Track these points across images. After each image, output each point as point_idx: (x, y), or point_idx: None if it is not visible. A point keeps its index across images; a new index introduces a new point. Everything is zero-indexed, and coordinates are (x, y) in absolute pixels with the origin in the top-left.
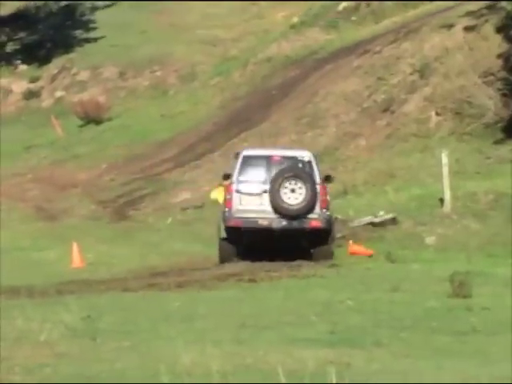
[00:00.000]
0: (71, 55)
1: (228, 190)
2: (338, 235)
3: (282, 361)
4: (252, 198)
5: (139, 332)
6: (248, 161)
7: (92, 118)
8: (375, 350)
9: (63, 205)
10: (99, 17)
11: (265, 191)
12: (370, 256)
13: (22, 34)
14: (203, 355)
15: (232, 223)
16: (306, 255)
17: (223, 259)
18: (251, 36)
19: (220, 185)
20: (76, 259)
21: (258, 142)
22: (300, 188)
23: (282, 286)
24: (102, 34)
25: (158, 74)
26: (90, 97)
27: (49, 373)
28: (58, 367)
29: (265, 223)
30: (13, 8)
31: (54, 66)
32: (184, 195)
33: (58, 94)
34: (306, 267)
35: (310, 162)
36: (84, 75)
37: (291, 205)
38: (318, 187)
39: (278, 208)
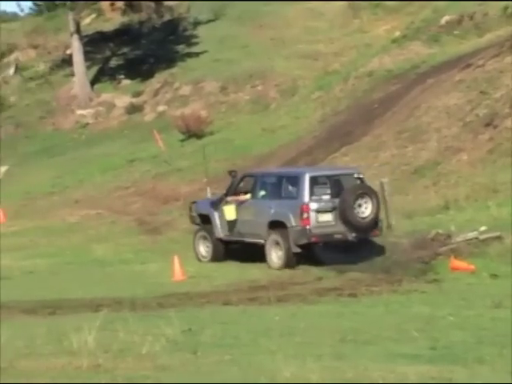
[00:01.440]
0: (173, 70)
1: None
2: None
3: (383, 376)
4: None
5: (240, 345)
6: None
7: (193, 132)
8: (477, 367)
9: (165, 218)
10: (201, 32)
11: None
12: (473, 272)
13: (125, 50)
14: (303, 369)
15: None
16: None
17: (216, 258)
18: (352, 50)
19: (228, 202)
20: (177, 272)
21: (358, 157)
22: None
23: (383, 300)
24: (203, 48)
25: (259, 88)
26: (192, 111)
27: None
28: (160, 380)
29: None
30: (117, 24)
31: (156, 81)
32: None
33: (161, 108)
34: (406, 282)
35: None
36: (186, 90)
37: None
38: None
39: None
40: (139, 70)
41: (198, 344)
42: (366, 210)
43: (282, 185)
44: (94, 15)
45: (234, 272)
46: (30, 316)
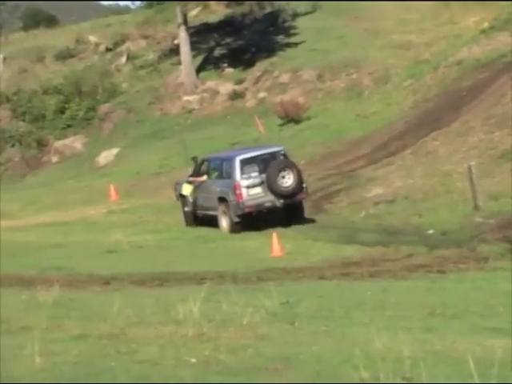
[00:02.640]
0: (273, 59)
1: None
2: None
3: (470, 349)
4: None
5: (334, 318)
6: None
7: (291, 117)
8: None
9: None
10: (300, 23)
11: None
12: None
13: (228, 40)
14: (395, 341)
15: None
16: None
17: (187, 224)
18: (443, 40)
19: (189, 182)
20: (276, 249)
21: (447, 141)
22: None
23: (470, 277)
24: (302, 39)
25: (354, 76)
26: (290, 98)
27: (251, 353)
28: (260, 348)
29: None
30: (221, 16)
31: (257, 69)
32: (376, 190)
33: (261, 95)
34: (492, 260)
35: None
36: (285, 77)
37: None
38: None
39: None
40: (241, 59)
41: (295, 315)
42: (288, 180)
43: (223, 167)
44: (200, 8)
45: (329, 249)
46: (140, 287)
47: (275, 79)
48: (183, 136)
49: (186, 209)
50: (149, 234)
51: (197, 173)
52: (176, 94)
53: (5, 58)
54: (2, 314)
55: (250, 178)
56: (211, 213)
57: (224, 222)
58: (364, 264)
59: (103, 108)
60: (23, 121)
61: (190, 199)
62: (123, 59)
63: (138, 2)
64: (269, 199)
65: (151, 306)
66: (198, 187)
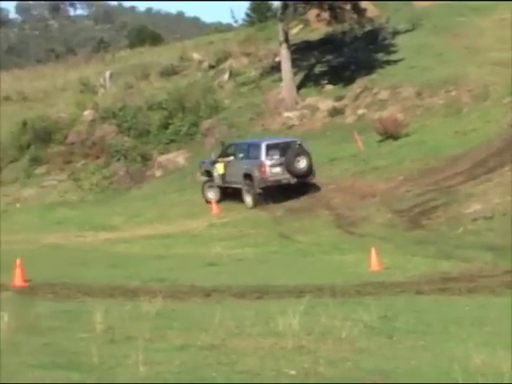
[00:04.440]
0: (373, 76)
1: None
2: None
3: None
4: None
5: (432, 332)
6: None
7: (390, 133)
8: None
9: (362, 213)
10: (400, 41)
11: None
12: None
13: (329, 57)
14: (494, 357)
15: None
16: None
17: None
18: None
19: (219, 162)
20: (374, 263)
21: None
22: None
23: None
24: (401, 56)
25: (453, 93)
26: (389, 114)
27: (350, 366)
28: (358, 362)
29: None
30: (322, 33)
31: (357, 86)
32: (475, 206)
33: (360, 111)
34: None
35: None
36: (384, 94)
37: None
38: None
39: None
40: (341, 76)
41: (393, 330)
42: (302, 163)
43: (249, 150)
44: (301, 26)
45: (427, 264)
46: (240, 299)
47: (374, 96)
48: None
49: (211, 184)
50: (248, 248)
51: (224, 154)
52: (277, 110)
53: (111, 75)
54: (106, 323)
55: (272, 159)
56: (235, 186)
57: (248, 197)
58: (462, 279)
59: (206, 124)
60: (128, 136)
61: (218, 176)
62: (226, 76)
63: (240, 21)
64: (285, 177)
65: (251, 318)
66: (226, 165)
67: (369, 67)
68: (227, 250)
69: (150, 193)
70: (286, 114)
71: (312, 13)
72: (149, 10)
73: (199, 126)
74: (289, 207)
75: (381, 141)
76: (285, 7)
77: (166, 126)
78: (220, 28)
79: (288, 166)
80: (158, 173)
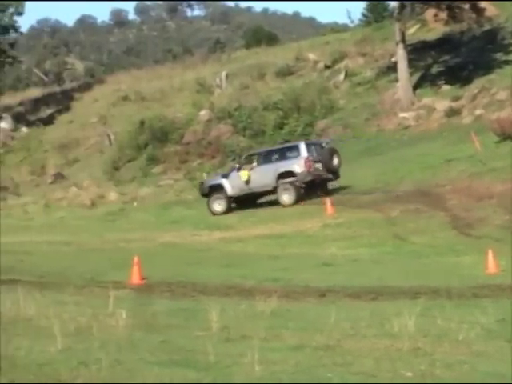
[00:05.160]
0: (491, 76)
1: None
2: None
3: None
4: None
5: None
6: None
7: (508, 134)
8: None
9: (479, 214)
10: None
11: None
12: None
13: (446, 57)
14: None
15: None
16: None
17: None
18: None
19: (244, 169)
20: (490, 265)
21: None
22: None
23: None
24: None
25: None
26: (507, 115)
27: (467, 369)
28: (475, 365)
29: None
30: (439, 33)
31: (474, 86)
32: None
33: (478, 112)
34: None
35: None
36: (502, 95)
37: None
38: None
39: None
40: (459, 76)
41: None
42: (335, 161)
43: (284, 152)
44: (418, 26)
45: None
46: (355, 300)
47: (492, 96)
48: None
49: (218, 197)
50: (363, 248)
51: (243, 164)
52: (392, 110)
53: (227, 75)
54: (222, 322)
55: (312, 156)
56: (263, 189)
57: (286, 195)
58: None
59: (320, 124)
60: (243, 136)
61: (229, 187)
62: (341, 76)
63: (357, 21)
64: (323, 172)
65: (366, 319)
66: (250, 172)
67: (487, 67)
68: (341, 251)
69: None
70: (402, 115)
71: (429, 12)
72: (265, 11)
73: (314, 126)
74: (404, 208)
75: (498, 142)
76: (402, 7)
77: (281, 126)
78: (336, 28)
79: (325, 163)
80: None
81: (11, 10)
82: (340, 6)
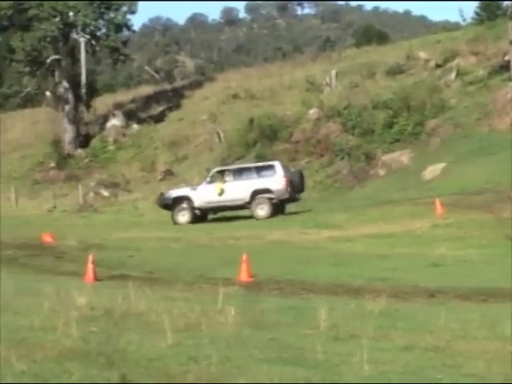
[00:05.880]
0: None
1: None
2: None
3: None
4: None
5: None
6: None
7: None
8: None
9: None
10: None
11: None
12: None
13: None
14: None
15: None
16: None
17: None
18: None
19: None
20: None
21: None
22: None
23: None
24: None
25: None
26: None
27: None
28: None
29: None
30: None
31: None
32: None
33: None
34: None
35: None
36: None
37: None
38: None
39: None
40: None
41: None
42: (304, 184)
43: (260, 171)
44: None
45: None
46: (464, 302)
47: None
48: None
49: (183, 208)
50: (473, 249)
51: (214, 180)
52: (505, 110)
53: (337, 74)
54: (330, 321)
55: (287, 176)
56: (238, 203)
57: (260, 211)
58: None
59: (431, 123)
60: (352, 134)
61: (196, 198)
62: (452, 75)
63: (469, 19)
64: (293, 193)
65: (476, 321)
66: (223, 187)
67: None
68: (451, 251)
69: (373, 192)
70: None
71: None
72: (375, 9)
73: (424, 125)
74: None
75: None
76: None
77: (390, 125)
78: (447, 27)
79: (295, 185)
80: (382, 172)
81: (124, 8)
82: (452, 5)
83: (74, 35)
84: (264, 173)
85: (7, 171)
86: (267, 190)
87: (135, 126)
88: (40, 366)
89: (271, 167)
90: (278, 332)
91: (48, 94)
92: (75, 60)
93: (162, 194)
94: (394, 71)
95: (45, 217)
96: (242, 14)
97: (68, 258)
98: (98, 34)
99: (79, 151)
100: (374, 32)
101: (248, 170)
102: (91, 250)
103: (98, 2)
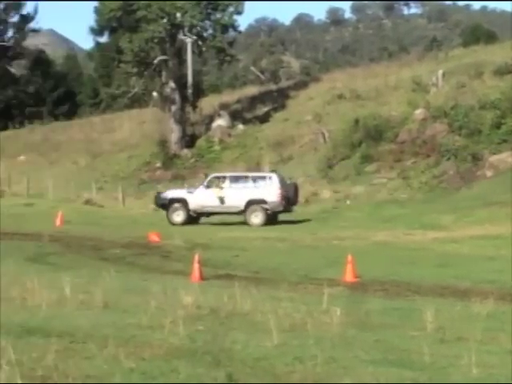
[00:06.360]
0: None
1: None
2: None
3: None
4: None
5: None
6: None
7: None
8: None
9: None
10: None
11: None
12: None
13: None
14: None
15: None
16: None
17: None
18: None
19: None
20: None
21: None
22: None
23: None
24: None
25: None
26: None
27: None
28: None
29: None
30: None
31: None
32: None
33: None
34: None
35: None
36: None
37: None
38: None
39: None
40: None
41: None
42: (298, 197)
43: (256, 181)
44: None
45: None
46: None
47: None
48: None
49: (177, 208)
50: None
51: (210, 185)
52: None
53: (444, 74)
54: (437, 323)
55: (283, 188)
56: (232, 210)
57: (254, 219)
58: None
59: None
60: (459, 135)
61: (192, 201)
62: None
63: None
64: (287, 205)
65: None
66: (222, 193)
67: None
68: None
69: (480, 193)
70: None
71: None
72: (483, 8)
73: None
74: None
75: None
76: None
77: (498, 126)
78: None
79: (289, 197)
80: (489, 173)
81: (231, 9)
82: None
83: (180, 36)
84: (260, 183)
85: (114, 171)
86: (262, 201)
87: (240, 127)
88: (148, 363)
89: (268, 178)
90: (383, 333)
91: (155, 94)
92: (182, 61)
93: (159, 194)
94: (502, 71)
95: (151, 216)
96: (348, 14)
97: (174, 257)
98: (205, 34)
99: (185, 151)
100: (481, 31)
101: (245, 178)
102: (197, 249)
103: (205, 2)
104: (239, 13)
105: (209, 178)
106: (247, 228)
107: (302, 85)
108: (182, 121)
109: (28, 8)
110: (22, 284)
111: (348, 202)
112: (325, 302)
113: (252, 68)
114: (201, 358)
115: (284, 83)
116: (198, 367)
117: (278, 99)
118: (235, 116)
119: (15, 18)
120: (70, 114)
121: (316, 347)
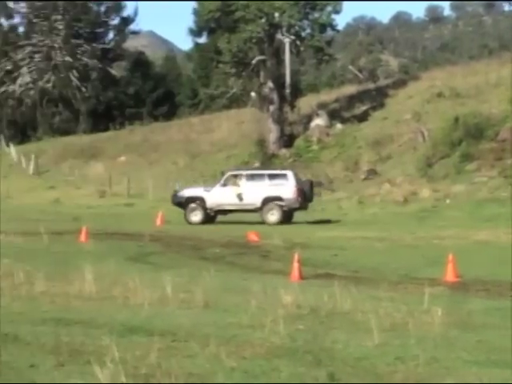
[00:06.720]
0: None
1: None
2: None
3: None
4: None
5: None
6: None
7: None
8: None
9: None
10: None
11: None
12: None
13: None
14: None
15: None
16: None
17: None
18: None
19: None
20: None
21: None
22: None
23: None
24: None
25: None
26: None
27: None
28: None
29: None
30: None
31: None
32: None
33: None
34: None
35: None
36: None
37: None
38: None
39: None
40: None
41: None
42: (313, 194)
43: (273, 178)
44: None
45: None
46: None
47: None
48: None
49: (195, 207)
50: None
51: (227, 183)
52: None
53: None
54: None
55: (299, 185)
56: (248, 207)
57: (271, 216)
58: None
59: None
60: None
61: (209, 200)
62: None
63: None
64: (303, 202)
65: None
66: (239, 190)
67: None
68: None
69: None
70: None
71: None
72: None
73: None
74: None
75: None
76: None
77: None
78: None
79: (305, 194)
80: None
81: (329, 8)
82: None
83: (278, 36)
84: (276, 181)
85: (213, 171)
86: (278, 198)
87: (339, 126)
88: (249, 362)
89: (284, 176)
90: (485, 334)
91: (253, 94)
92: (280, 60)
93: (175, 192)
94: None
95: (250, 216)
96: (447, 12)
97: (273, 257)
98: (303, 34)
99: (283, 151)
100: None
101: (261, 176)
102: (296, 248)
103: (303, 2)
104: (337, 12)
105: (225, 176)
106: (345, 227)
107: (400, 83)
108: (280, 120)
109: (128, 10)
110: (123, 283)
111: (448, 201)
112: (426, 302)
113: (350, 67)
114: (302, 357)
115: (382, 82)
116: (299, 366)
117: (377, 98)
118: (333, 115)
119: (116, 21)
120: (169, 115)
121: (417, 347)
